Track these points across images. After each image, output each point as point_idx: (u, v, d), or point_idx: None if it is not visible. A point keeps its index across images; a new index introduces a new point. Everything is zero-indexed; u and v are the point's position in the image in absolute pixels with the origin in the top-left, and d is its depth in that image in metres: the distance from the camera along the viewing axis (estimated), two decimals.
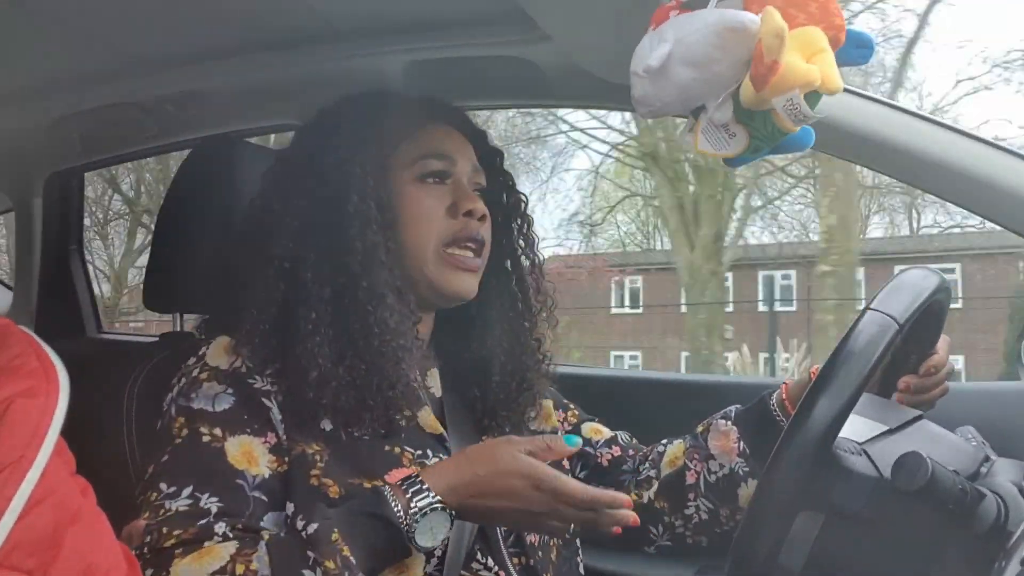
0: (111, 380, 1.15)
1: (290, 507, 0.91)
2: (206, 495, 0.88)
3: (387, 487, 0.88)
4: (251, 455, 0.91)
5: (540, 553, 1.02)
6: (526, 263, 1.14)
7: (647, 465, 1.17)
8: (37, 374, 0.63)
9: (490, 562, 0.97)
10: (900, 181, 1.21)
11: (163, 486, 0.89)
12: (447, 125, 1.09)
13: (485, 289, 1.08)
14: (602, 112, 10.68)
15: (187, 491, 0.88)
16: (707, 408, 1.18)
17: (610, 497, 0.91)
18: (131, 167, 10.87)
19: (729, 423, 1.12)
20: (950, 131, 1.13)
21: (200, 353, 0.98)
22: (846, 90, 1.13)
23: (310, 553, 0.81)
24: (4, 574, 0.56)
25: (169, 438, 0.93)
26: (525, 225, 1.16)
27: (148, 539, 0.85)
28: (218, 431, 0.91)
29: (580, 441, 1.02)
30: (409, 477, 0.89)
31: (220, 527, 0.86)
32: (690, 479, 1.12)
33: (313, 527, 0.84)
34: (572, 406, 1.24)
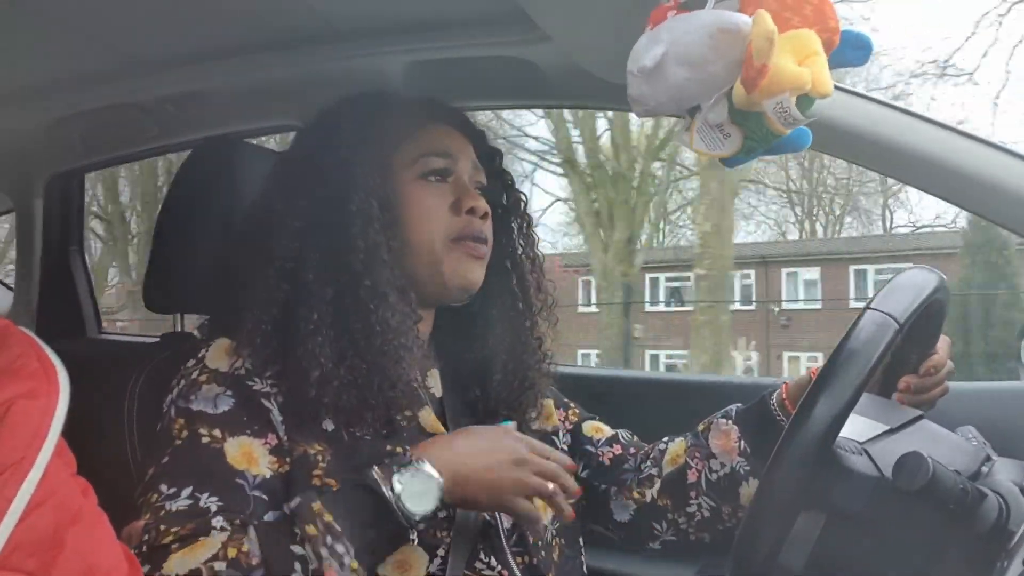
0: (112, 381, 1.15)
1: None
2: (206, 495, 0.88)
3: (373, 467, 0.89)
4: (251, 456, 0.91)
5: (543, 552, 1.02)
6: (526, 262, 1.14)
7: (649, 463, 1.17)
8: (38, 375, 0.64)
9: (493, 561, 0.97)
10: (900, 181, 1.21)
11: (163, 487, 0.89)
12: (447, 125, 1.10)
13: (486, 288, 1.08)
14: (527, 121, 11.39)
15: (187, 492, 0.88)
16: (707, 408, 1.18)
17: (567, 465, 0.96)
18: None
19: (730, 422, 1.12)
20: (950, 131, 1.13)
21: (199, 355, 0.98)
22: (844, 90, 1.13)
23: (297, 530, 0.82)
24: (5, 575, 0.56)
25: (169, 440, 0.93)
26: (525, 224, 1.16)
27: (146, 537, 0.85)
28: (217, 432, 0.91)
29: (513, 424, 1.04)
30: (392, 452, 0.91)
31: (218, 521, 0.86)
32: (691, 478, 1.12)
33: (296, 501, 0.85)
34: (572, 405, 1.24)
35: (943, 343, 1.08)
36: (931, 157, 1.13)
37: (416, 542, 0.90)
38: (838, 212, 21.26)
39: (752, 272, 17.43)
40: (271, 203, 1.03)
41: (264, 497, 0.90)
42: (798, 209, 21.39)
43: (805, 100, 0.76)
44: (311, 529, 0.82)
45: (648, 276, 15.67)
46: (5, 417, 0.60)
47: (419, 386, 1.02)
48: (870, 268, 16.79)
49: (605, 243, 11.25)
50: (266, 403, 0.94)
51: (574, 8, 1.04)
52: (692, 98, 0.80)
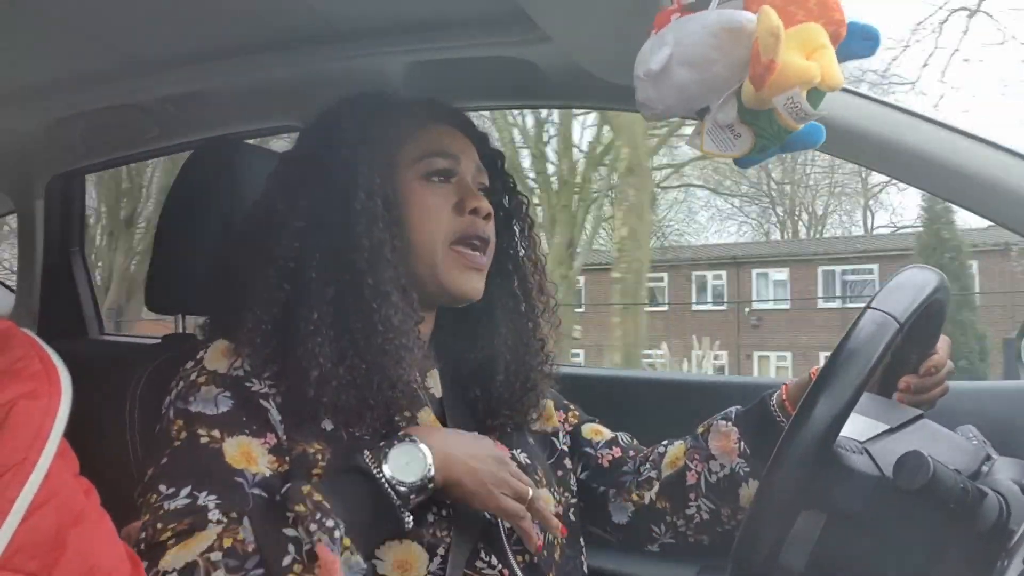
0: (114, 382, 1.15)
1: None
2: (204, 493, 0.88)
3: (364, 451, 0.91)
4: (249, 455, 0.91)
5: (544, 552, 1.02)
6: (528, 264, 1.14)
7: (648, 466, 1.17)
8: (39, 376, 0.64)
9: (494, 560, 0.97)
10: (901, 181, 1.21)
11: (162, 488, 0.89)
12: (450, 126, 1.10)
13: (488, 290, 1.08)
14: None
15: (185, 491, 0.88)
16: (707, 408, 1.18)
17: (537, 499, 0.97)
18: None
19: (729, 424, 1.12)
20: (951, 131, 1.13)
21: (198, 357, 0.98)
22: (846, 90, 1.13)
23: (288, 513, 0.83)
24: None
25: (167, 441, 0.93)
26: (527, 226, 1.16)
27: (143, 535, 0.85)
28: (216, 432, 0.92)
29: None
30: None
31: (214, 515, 0.86)
32: (691, 479, 1.12)
33: (286, 487, 0.87)
34: (572, 407, 1.24)
35: (943, 343, 1.08)
36: (933, 157, 1.13)
37: (411, 522, 0.90)
38: (820, 213, 21.68)
39: (723, 273, 18.01)
40: (273, 203, 1.03)
41: (264, 495, 0.90)
42: (779, 209, 21.78)
43: (815, 94, 0.76)
44: (300, 508, 0.82)
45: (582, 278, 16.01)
46: (7, 418, 0.60)
47: (419, 387, 1.02)
48: (837, 269, 17.29)
49: (547, 246, 11.73)
50: (264, 404, 0.94)
51: (574, 8, 1.04)
52: (700, 99, 0.80)
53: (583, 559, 1.11)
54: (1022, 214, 1.09)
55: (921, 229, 14.74)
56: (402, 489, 0.88)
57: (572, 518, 1.11)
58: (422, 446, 0.90)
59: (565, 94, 1.35)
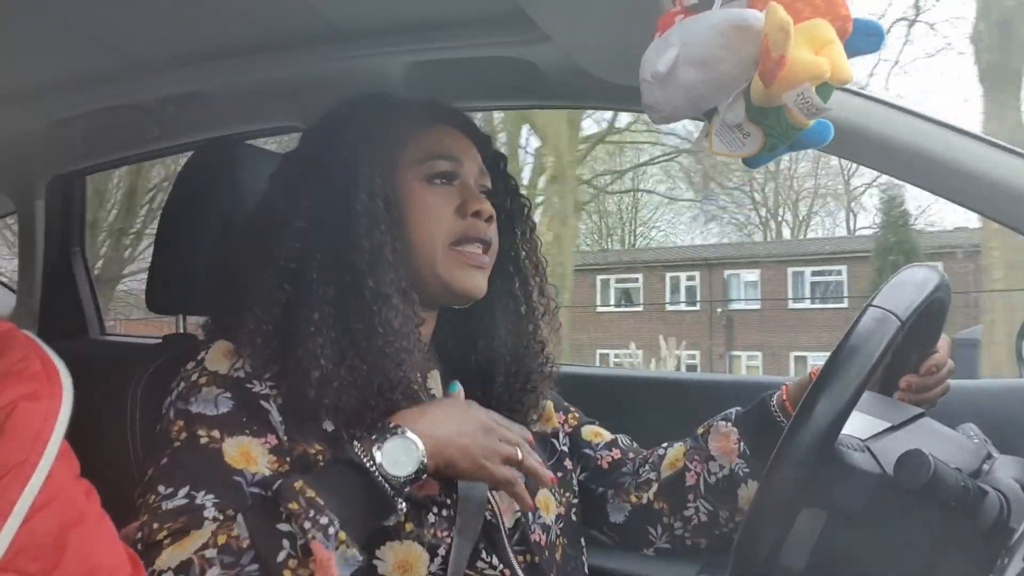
0: (115, 382, 1.15)
1: None
2: (202, 492, 0.88)
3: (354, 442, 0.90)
4: (249, 455, 0.91)
5: (546, 552, 1.02)
6: (529, 266, 1.14)
7: (647, 467, 1.17)
8: (40, 377, 0.64)
9: (495, 560, 0.97)
10: (902, 181, 1.21)
11: (161, 488, 0.89)
12: (453, 127, 1.10)
13: (489, 291, 1.08)
14: None
15: (183, 491, 0.88)
16: (707, 408, 1.18)
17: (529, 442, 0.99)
18: None
19: (729, 424, 1.12)
20: (951, 130, 1.13)
21: (199, 357, 0.98)
22: (848, 90, 1.13)
23: (282, 509, 0.83)
24: None
25: (168, 442, 0.93)
26: (528, 229, 1.16)
27: (139, 535, 0.85)
28: (216, 433, 0.91)
29: (460, 388, 1.05)
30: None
31: (210, 512, 0.86)
32: (690, 480, 1.12)
33: (278, 483, 0.86)
34: (572, 409, 1.24)
35: (944, 342, 1.08)
36: (933, 156, 1.13)
37: (404, 509, 0.89)
38: (803, 215, 22.04)
39: (696, 274, 18.47)
40: (275, 203, 1.03)
41: (263, 494, 0.90)
42: (763, 210, 22.15)
43: (824, 89, 0.75)
44: (294, 506, 0.82)
45: None
46: (8, 420, 0.60)
47: (419, 388, 1.02)
48: (807, 270, 17.74)
49: None
50: (265, 404, 0.94)
51: (574, 8, 1.04)
52: (708, 100, 0.80)
53: (584, 559, 1.11)
54: (1021, 212, 1.09)
55: (879, 232, 15.08)
56: (396, 482, 0.88)
57: (574, 518, 1.12)
58: (412, 436, 0.90)
59: (565, 94, 1.35)
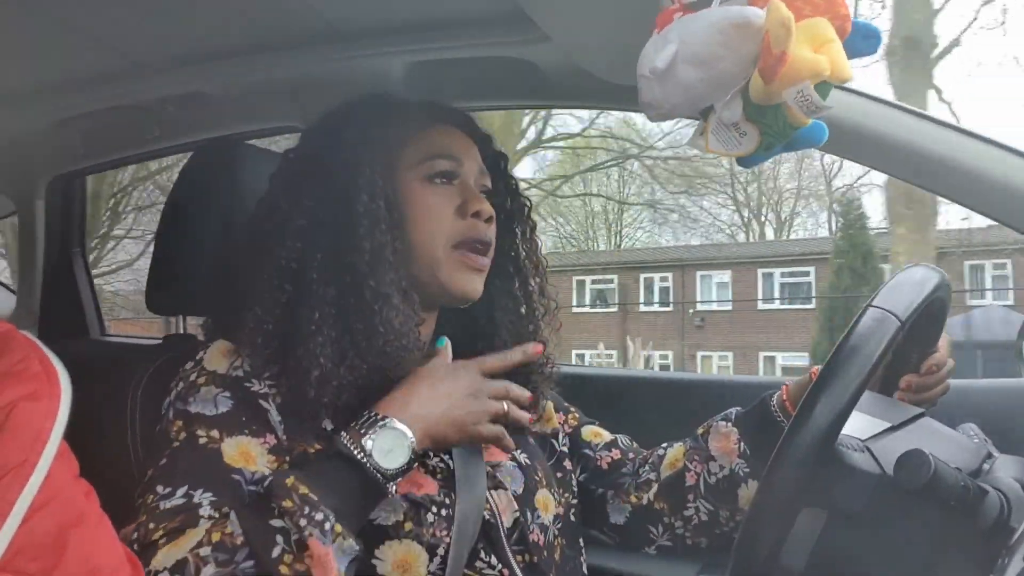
0: (115, 382, 1.15)
1: None
2: (199, 491, 0.88)
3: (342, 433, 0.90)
4: (248, 454, 0.91)
5: (544, 552, 1.02)
6: (529, 266, 1.14)
7: (647, 468, 1.17)
8: (39, 378, 0.64)
9: (494, 560, 0.97)
10: (902, 180, 1.21)
11: (159, 488, 0.89)
12: (453, 127, 1.10)
13: (489, 292, 1.08)
14: None
15: (181, 491, 0.88)
16: (707, 408, 1.18)
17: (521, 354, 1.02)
18: None
19: (729, 424, 1.12)
20: (951, 130, 1.13)
21: (198, 357, 0.98)
22: (847, 89, 1.13)
23: (274, 505, 0.83)
24: None
25: (167, 442, 0.93)
26: (528, 229, 1.16)
27: (135, 536, 0.85)
28: (215, 433, 0.91)
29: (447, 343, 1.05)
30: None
31: (205, 511, 0.86)
32: (690, 480, 1.12)
33: (268, 480, 0.86)
34: (572, 409, 1.24)
35: (943, 341, 1.08)
36: (933, 156, 1.12)
37: (395, 491, 0.90)
38: (785, 215, 22.34)
39: (670, 275, 19.04)
40: (275, 203, 1.03)
41: (259, 491, 0.90)
42: (745, 211, 22.46)
43: (823, 87, 0.76)
44: (287, 503, 0.82)
45: None
46: (7, 420, 0.60)
47: None
48: (776, 271, 18.21)
49: None
50: (264, 404, 0.94)
51: (574, 8, 1.04)
52: (706, 97, 0.80)
53: (583, 559, 1.11)
54: (1020, 211, 1.09)
55: (838, 235, 15.44)
56: (389, 473, 0.88)
57: (573, 519, 1.11)
58: (400, 427, 0.90)
59: (565, 94, 1.34)
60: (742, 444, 1.10)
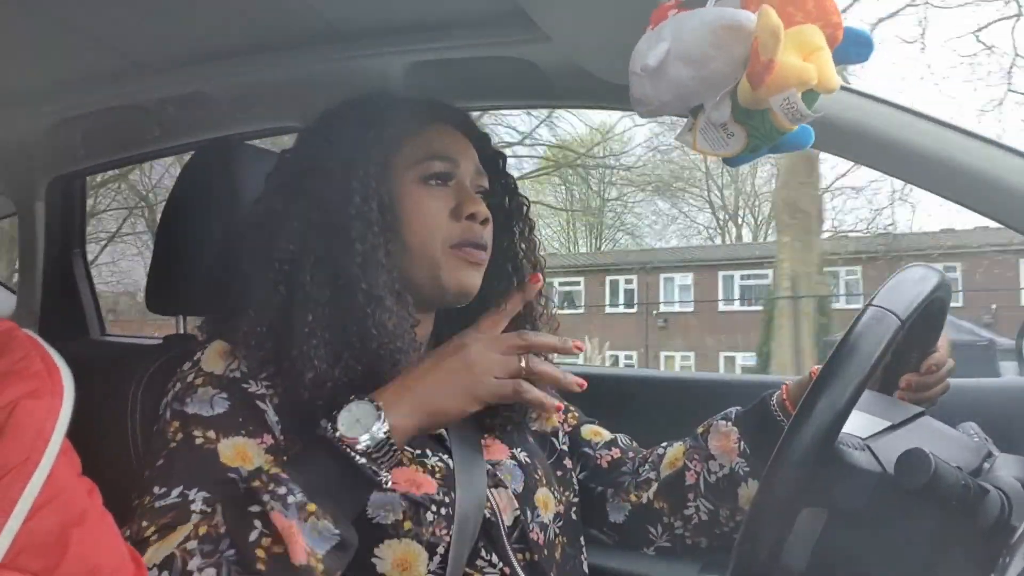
0: (115, 382, 1.15)
1: None
2: (194, 490, 0.88)
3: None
4: (245, 454, 0.91)
5: (545, 551, 1.02)
6: (527, 266, 1.14)
7: (647, 467, 1.17)
8: (41, 376, 0.64)
9: (494, 558, 0.97)
10: (901, 180, 1.21)
11: (156, 489, 0.89)
12: (450, 126, 1.09)
13: (487, 292, 1.08)
14: None
15: (177, 491, 0.88)
16: (707, 407, 1.18)
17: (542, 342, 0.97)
18: None
19: (729, 424, 1.12)
20: (951, 129, 1.13)
21: (195, 358, 0.98)
22: (845, 88, 1.13)
23: (244, 486, 0.83)
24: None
25: (164, 442, 0.93)
26: (527, 229, 1.16)
27: (127, 534, 0.85)
28: (212, 433, 0.92)
29: None
30: None
31: (196, 506, 0.86)
32: (690, 479, 1.12)
33: (246, 469, 0.87)
34: (572, 408, 1.24)
35: (943, 341, 1.08)
36: (931, 155, 1.12)
37: (387, 481, 0.88)
38: (759, 219, 22.69)
39: (634, 278, 19.65)
40: (270, 204, 1.03)
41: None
42: (721, 213, 22.77)
43: (810, 96, 0.76)
44: (256, 483, 0.83)
45: None
46: (9, 418, 0.60)
47: None
48: (736, 274, 18.85)
49: None
50: (261, 405, 0.94)
51: (574, 8, 1.04)
52: (696, 96, 0.80)
53: (583, 558, 1.11)
54: (1020, 211, 1.09)
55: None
56: (361, 447, 0.87)
57: (573, 517, 1.11)
58: (365, 400, 0.89)
59: (565, 94, 1.34)
60: (742, 443, 1.10)
